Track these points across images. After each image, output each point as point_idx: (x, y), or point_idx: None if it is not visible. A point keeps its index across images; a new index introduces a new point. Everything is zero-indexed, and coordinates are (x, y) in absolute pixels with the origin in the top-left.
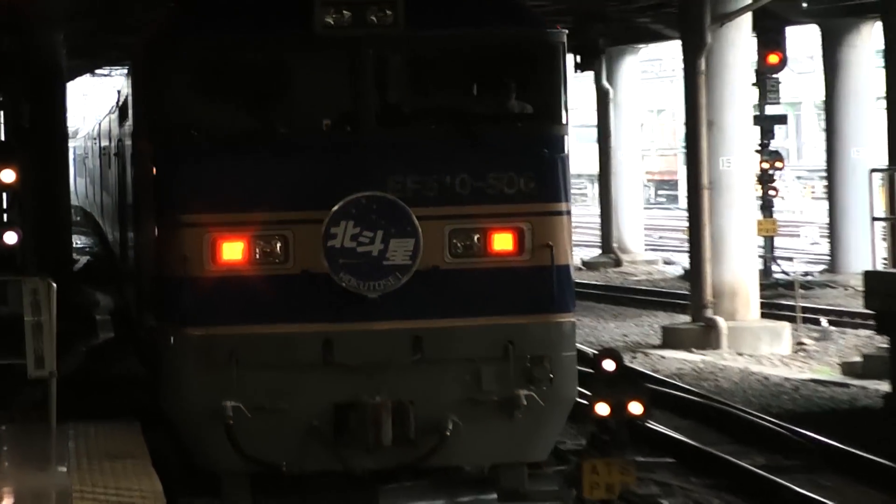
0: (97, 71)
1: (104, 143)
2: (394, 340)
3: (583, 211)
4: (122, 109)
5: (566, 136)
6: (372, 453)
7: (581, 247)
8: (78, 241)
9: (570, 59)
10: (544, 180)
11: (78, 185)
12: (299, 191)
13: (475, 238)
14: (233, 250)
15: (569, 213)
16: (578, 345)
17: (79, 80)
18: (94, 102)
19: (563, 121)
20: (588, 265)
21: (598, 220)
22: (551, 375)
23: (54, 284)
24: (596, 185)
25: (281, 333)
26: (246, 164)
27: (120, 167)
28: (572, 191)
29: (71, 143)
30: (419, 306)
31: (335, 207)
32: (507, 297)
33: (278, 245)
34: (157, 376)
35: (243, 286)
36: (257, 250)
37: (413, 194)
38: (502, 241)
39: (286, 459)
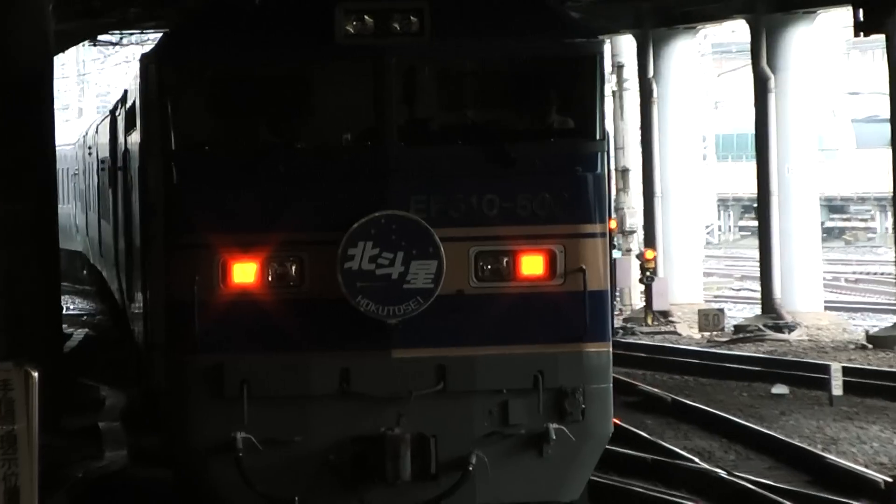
0: (101, 37)
1: (103, 153)
2: (415, 369)
3: (868, 257)
4: (129, 113)
5: (602, 153)
6: (391, 489)
7: (865, 312)
8: (70, 304)
9: (850, 18)
10: (578, 200)
11: (66, 214)
12: (316, 210)
13: (503, 261)
14: (245, 273)
15: (604, 234)
16: (618, 374)
17: (70, 52)
18: (89, 90)
19: (599, 136)
20: (743, 331)
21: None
22: (583, 408)
23: (35, 374)
24: (889, 216)
25: (295, 361)
26: (260, 181)
27: (125, 186)
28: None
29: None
30: (442, 333)
31: (353, 227)
32: (537, 324)
33: (293, 267)
34: (162, 408)
35: (256, 311)
36: (271, 273)
37: (437, 214)
38: (532, 265)
39: (300, 495)
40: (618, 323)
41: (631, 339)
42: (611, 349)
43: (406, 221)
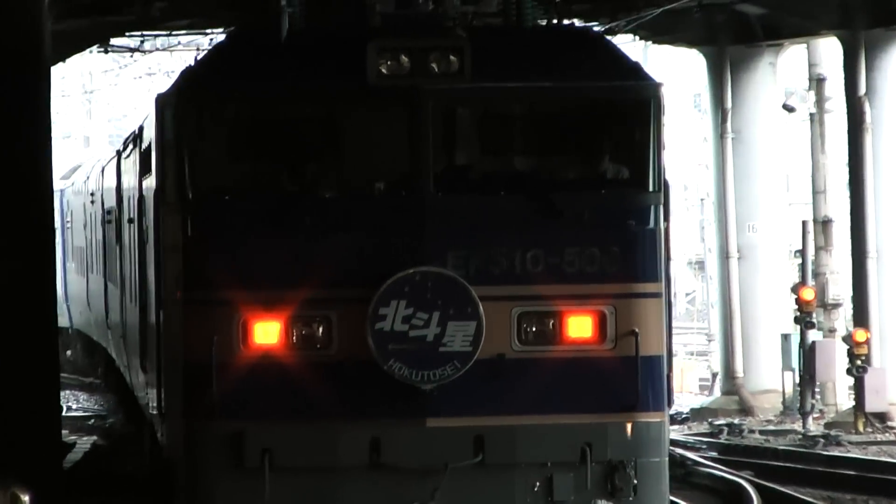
0: (114, 41)
1: (109, 202)
2: (451, 440)
3: None
4: (145, 155)
5: (659, 206)
6: None
7: None
8: (71, 402)
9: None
10: (630, 256)
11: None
12: (345, 265)
13: (548, 322)
14: (267, 333)
15: (660, 294)
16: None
17: (73, 61)
18: (98, 112)
19: (655, 187)
20: None
21: None
22: (635, 484)
23: (25, 498)
24: None
25: (322, 430)
26: (284, 233)
27: (140, 240)
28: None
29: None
30: (481, 401)
31: (385, 285)
32: (585, 391)
33: (319, 328)
34: (177, 479)
35: (279, 375)
36: (295, 333)
37: (476, 271)
38: (580, 327)
39: None
40: (818, 429)
41: (835, 452)
42: (667, 420)
43: (443, 279)
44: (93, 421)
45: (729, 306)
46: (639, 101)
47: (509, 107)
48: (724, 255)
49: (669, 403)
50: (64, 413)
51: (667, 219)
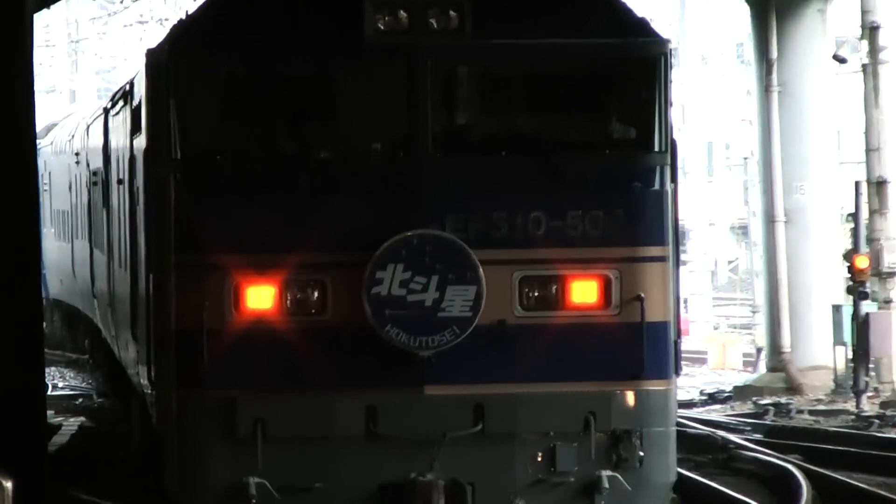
0: None
1: (95, 163)
2: (450, 409)
3: None
4: (135, 112)
5: (666, 166)
6: None
7: None
8: (57, 379)
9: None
10: (636, 219)
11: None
12: (340, 228)
13: (551, 287)
14: (260, 297)
15: (666, 259)
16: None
17: (58, 8)
18: (85, 64)
19: (662, 147)
20: None
21: None
22: (641, 454)
23: (7, 485)
24: None
25: (316, 399)
26: (278, 195)
27: (130, 203)
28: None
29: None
30: (481, 368)
31: (382, 248)
32: (589, 359)
33: (314, 292)
34: (164, 450)
35: (272, 341)
36: (289, 298)
37: (476, 234)
38: (584, 292)
39: None
40: (872, 409)
41: (891, 434)
42: (674, 388)
43: (441, 242)
44: (80, 400)
45: (775, 275)
46: (645, 59)
47: (510, 65)
48: (770, 220)
49: (677, 371)
50: (49, 392)
51: (674, 180)
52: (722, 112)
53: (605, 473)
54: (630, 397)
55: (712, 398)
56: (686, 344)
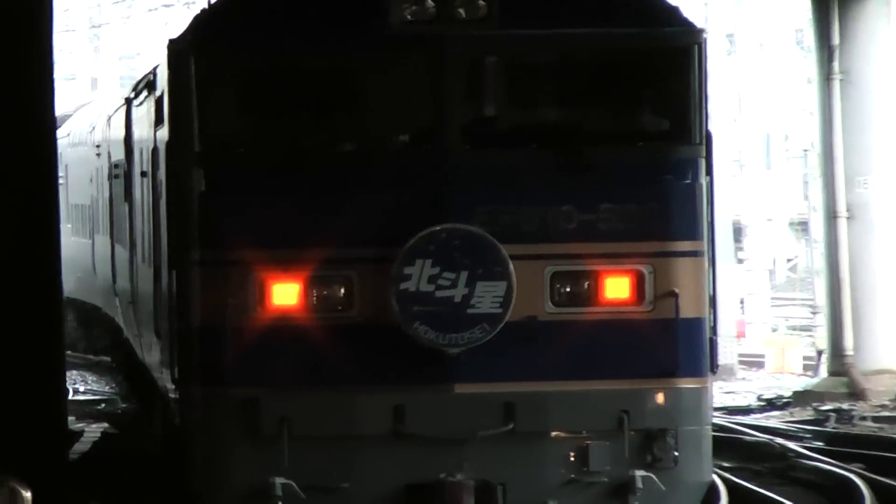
0: None
1: (116, 154)
2: (479, 408)
3: None
4: (159, 103)
5: (701, 159)
6: None
7: None
8: (78, 383)
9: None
10: (670, 213)
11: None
12: (367, 222)
13: (582, 283)
14: (285, 294)
15: (701, 253)
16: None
17: None
18: (108, 50)
19: (696, 139)
20: None
21: None
22: (676, 454)
23: (27, 494)
24: None
25: (342, 398)
26: (303, 190)
27: (153, 196)
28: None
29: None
30: (512, 366)
31: (409, 243)
32: (622, 356)
33: (340, 288)
34: (186, 450)
35: (297, 338)
36: (315, 294)
37: (506, 228)
38: (616, 287)
39: None
40: None
41: None
42: (710, 386)
43: (471, 236)
44: (103, 405)
45: (837, 274)
46: (679, 49)
47: (540, 55)
48: (831, 215)
49: (713, 369)
50: (70, 397)
51: (709, 173)
52: (780, 101)
53: (639, 473)
54: (664, 395)
55: (770, 404)
56: (742, 347)
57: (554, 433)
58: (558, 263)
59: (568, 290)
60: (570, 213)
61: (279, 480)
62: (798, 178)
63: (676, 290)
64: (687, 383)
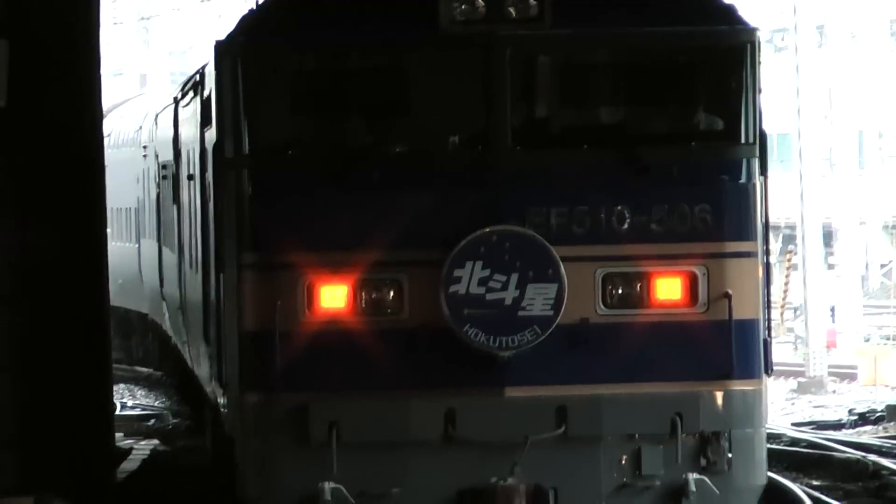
0: None
1: (164, 155)
2: (532, 411)
3: None
4: (206, 103)
5: (755, 159)
6: None
7: None
8: (126, 398)
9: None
10: (723, 213)
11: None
12: (416, 224)
13: (635, 284)
14: (334, 297)
15: (754, 254)
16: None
17: None
18: (157, 44)
19: (751, 139)
20: None
21: None
22: (729, 457)
23: None
24: None
25: (392, 402)
26: (352, 192)
27: (202, 198)
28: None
29: None
30: (563, 369)
31: (460, 245)
32: (675, 358)
33: (390, 292)
34: (237, 456)
35: (346, 342)
36: (364, 298)
37: (557, 230)
38: (669, 289)
39: None
40: None
41: None
42: (764, 388)
43: (521, 238)
44: (153, 422)
45: None
46: (732, 47)
47: (592, 54)
48: None
49: (768, 371)
50: (117, 412)
51: (763, 173)
52: (874, 97)
53: (693, 477)
54: (718, 398)
55: (863, 418)
56: (833, 358)
57: (606, 437)
58: (610, 265)
59: (620, 291)
60: (623, 213)
61: (329, 486)
62: (893, 178)
63: (730, 292)
64: (741, 385)
